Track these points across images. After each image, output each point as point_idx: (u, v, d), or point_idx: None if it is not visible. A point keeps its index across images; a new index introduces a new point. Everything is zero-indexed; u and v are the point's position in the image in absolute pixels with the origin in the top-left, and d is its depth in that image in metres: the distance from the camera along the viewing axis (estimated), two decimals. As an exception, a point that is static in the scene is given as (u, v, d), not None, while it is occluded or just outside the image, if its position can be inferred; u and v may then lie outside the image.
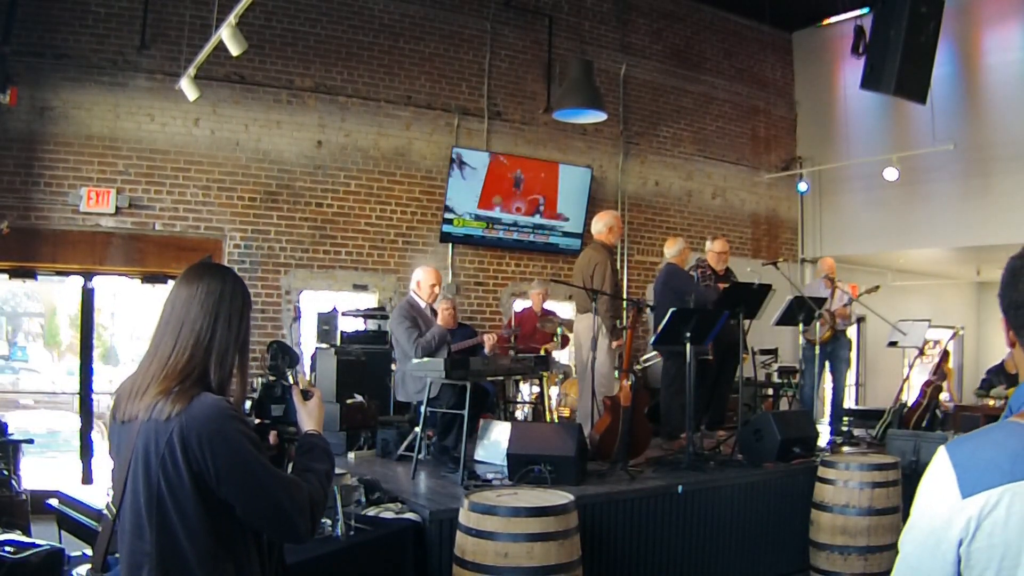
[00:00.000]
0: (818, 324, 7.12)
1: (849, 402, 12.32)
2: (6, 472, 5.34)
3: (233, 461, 1.71)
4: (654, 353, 7.70)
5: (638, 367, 7.81)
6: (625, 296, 6.41)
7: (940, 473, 1.31)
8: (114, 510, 1.79)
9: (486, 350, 6.79)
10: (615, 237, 6.52)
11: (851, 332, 12.61)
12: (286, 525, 1.77)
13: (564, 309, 9.52)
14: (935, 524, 1.31)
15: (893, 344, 7.86)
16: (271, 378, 2.11)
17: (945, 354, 8.31)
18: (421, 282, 5.90)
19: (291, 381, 2.10)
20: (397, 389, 5.79)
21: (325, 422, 2.03)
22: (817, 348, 7.23)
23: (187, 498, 1.69)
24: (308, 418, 2.01)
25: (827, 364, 7.78)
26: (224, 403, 1.75)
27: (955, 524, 1.27)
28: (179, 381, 1.74)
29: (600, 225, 6.49)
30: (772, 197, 11.45)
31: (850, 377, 12.78)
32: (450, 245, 8.79)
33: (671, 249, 7.14)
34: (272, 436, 2.02)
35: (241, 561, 1.77)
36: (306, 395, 2.04)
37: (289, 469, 1.94)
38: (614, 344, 6.21)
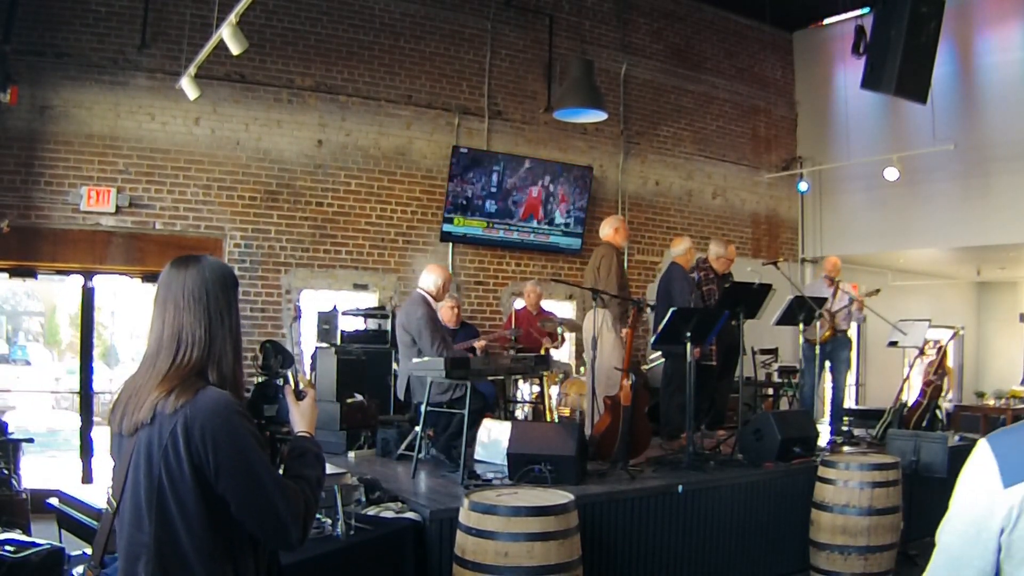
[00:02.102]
0: (818, 324, 7.12)
1: (849, 402, 12.32)
2: (6, 471, 5.34)
3: (234, 456, 1.70)
4: (659, 354, 7.70)
5: (645, 367, 7.81)
6: (627, 296, 6.42)
7: (981, 463, 1.33)
8: (114, 503, 1.79)
9: (477, 353, 6.82)
10: (622, 238, 6.65)
11: (851, 332, 12.69)
12: (279, 530, 1.76)
13: (564, 309, 9.53)
14: (976, 513, 1.32)
15: (893, 344, 7.86)
16: (264, 375, 2.09)
17: (941, 351, 8.27)
18: (444, 284, 5.85)
19: (289, 380, 2.09)
20: (414, 392, 5.58)
21: (325, 421, 2.03)
22: (817, 348, 7.23)
23: (187, 491, 1.69)
24: (300, 419, 2.00)
25: (827, 364, 7.77)
26: (230, 398, 1.75)
27: (997, 513, 1.29)
28: (182, 379, 1.74)
29: (607, 228, 6.65)
30: (772, 197, 11.46)
31: (850, 377, 12.81)
32: (450, 245, 8.80)
33: (677, 248, 7.15)
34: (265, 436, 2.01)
35: (238, 561, 1.77)
36: (299, 395, 2.03)
37: (280, 470, 1.93)
38: (623, 332, 6.16)
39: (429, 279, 5.84)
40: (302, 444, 1.96)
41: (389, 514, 4.10)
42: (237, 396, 1.81)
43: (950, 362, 8.76)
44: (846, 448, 6.67)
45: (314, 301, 8.01)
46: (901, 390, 7.81)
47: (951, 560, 1.37)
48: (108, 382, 8.68)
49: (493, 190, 8.87)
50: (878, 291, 7.71)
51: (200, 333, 1.79)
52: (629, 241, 9.91)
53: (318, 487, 1.90)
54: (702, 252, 8.08)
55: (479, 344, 7.03)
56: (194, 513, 1.70)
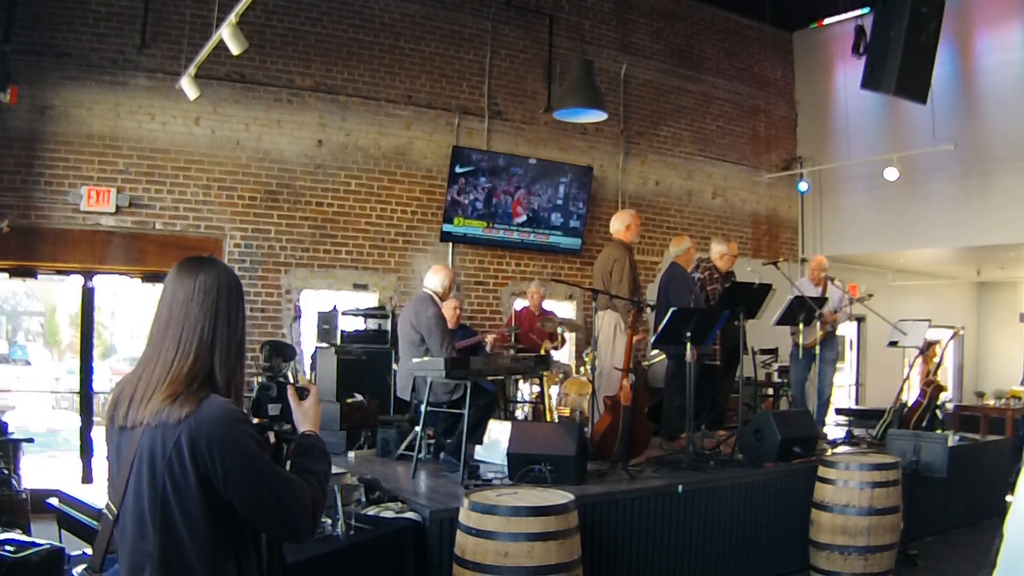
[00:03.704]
0: (818, 326, 7.11)
1: (849, 402, 12.33)
2: (6, 471, 5.34)
3: (242, 464, 1.72)
4: (658, 351, 7.69)
5: (645, 363, 7.80)
6: (628, 295, 6.41)
7: None
8: (114, 510, 1.79)
9: (488, 349, 6.81)
10: (632, 235, 6.57)
11: (851, 332, 12.69)
12: (290, 525, 1.78)
13: (564, 309, 9.53)
14: None
15: (893, 344, 7.85)
16: (267, 376, 2.11)
17: (928, 346, 8.20)
18: (450, 285, 5.86)
19: (289, 379, 2.10)
20: (420, 391, 5.49)
21: (325, 421, 2.04)
22: (818, 349, 7.23)
23: (192, 500, 1.70)
24: (304, 418, 2.02)
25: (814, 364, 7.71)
26: (232, 405, 1.76)
27: None
28: (186, 385, 1.74)
29: (618, 224, 6.59)
30: (772, 197, 11.46)
31: (850, 377, 12.82)
32: (450, 245, 8.80)
33: (677, 247, 7.13)
34: (270, 436, 2.02)
35: (241, 561, 1.79)
36: (302, 394, 2.04)
37: (287, 468, 1.95)
38: (636, 338, 6.15)
39: (436, 280, 5.83)
40: (308, 440, 1.99)
41: (389, 514, 4.10)
42: (237, 400, 1.82)
43: (946, 362, 8.74)
44: (844, 448, 6.67)
45: (314, 301, 8.01)
46: (901, 390, 7.80)
47: (1012, 552, 1.36)
48: (108, 382, 8.68)
49: (493, 190, 8.88)
50: (871, 296, 7.73)
51: (206, 324, 1.80)
52: (629, 241, 9.92)
53: (325, 480, 1.94)
54: (703, 252, 8.07)
55: (489, 338, 7.00)
56: (199, 521, 1.71)
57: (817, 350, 7.27)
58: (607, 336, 6.16)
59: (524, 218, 9.13)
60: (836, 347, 8.04)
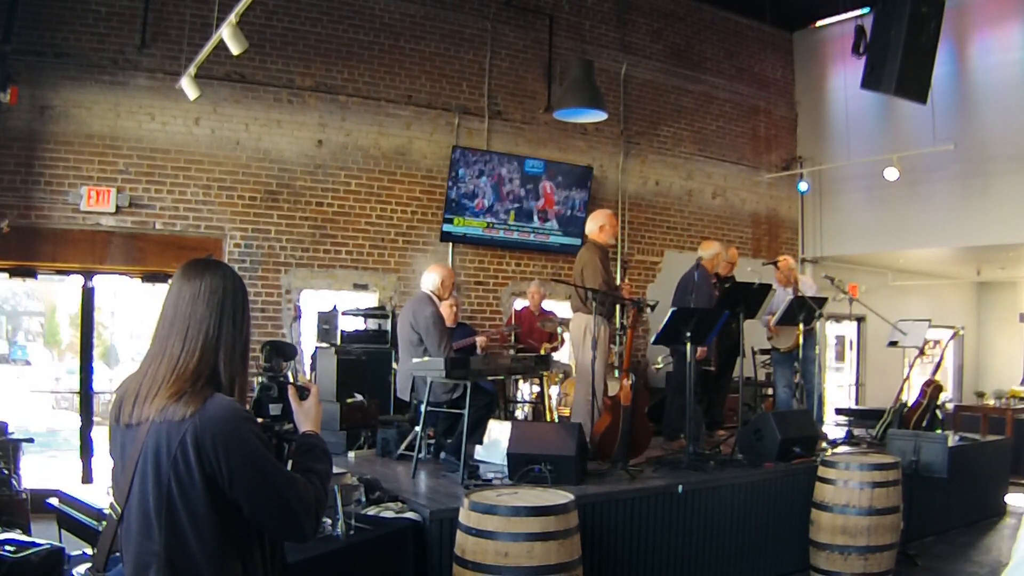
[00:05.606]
0: (816, 325, 7.08)
1: (849, 402, 12.34)
2: (6, 471, 5.35)
3: (246, 462, 1.72)
4: (668, 352, 7.67)
5: (656, 367, 7.78)
6: (628, 296, 6.40)
7: None
8: (118, 510, 1.79)
9: (478, 351, 6.82)
10: (607, 236, 6.27)
11: (851, 332, 12.69)
12: (293, 525, 1.79)
13: (564, 309, 9.53)
14: None
15: (893, 344, 7.85)
16: (268, 376, 2.12)
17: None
18: (445, 281, 5.85)
19: (290, 378, 2.11)
20: (419, 391, 5.50)
21: (325, 421, 2.05)
22: (820, 350, 7.21)
23: (198, 498, 1.70)
24: (305, 418, 2.03)
25: (796, 365, 7.68)
26: (237, 404, 1.77)
27: None
28: (191, 383, 1.75)
29: (592, 225, 6.35)
30: (772, 197, 11.46)
31: (850, 377, 12.82)
32: (450, 245, 8.80)
33: (704, 252, 7.07)
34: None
35: (247, 560, 1.79)
36: (302, 394, 2.05)
37: (288, 467, 1.95)
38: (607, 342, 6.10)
39: (430, 278, 5.83)
40: (309, 440, 2.00)
41: (389, 514, 4.10)
42: (241, 399, 1.83)
43: (947, 362, 8.73)
44: (844, 448, 6.67)
45: (314, 301, 8.01)
46: (901, 390, 7.80)
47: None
48: (108, 382, 8.68)
49: (493, 190, 8.88)
50: (844, 287, 7.72)
51: (212, 322, 1.81)
52: (629, 241, 9.94)
53: (327, 480, 1.95)
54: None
55: (481, 340, 7.04)
56: (204, 519, 1.71)
57: (819, 350, 7.26)
58: (578, 337, 6.10)
59: (524, 218, 9.12)
60: (813, 346, 7.91)
